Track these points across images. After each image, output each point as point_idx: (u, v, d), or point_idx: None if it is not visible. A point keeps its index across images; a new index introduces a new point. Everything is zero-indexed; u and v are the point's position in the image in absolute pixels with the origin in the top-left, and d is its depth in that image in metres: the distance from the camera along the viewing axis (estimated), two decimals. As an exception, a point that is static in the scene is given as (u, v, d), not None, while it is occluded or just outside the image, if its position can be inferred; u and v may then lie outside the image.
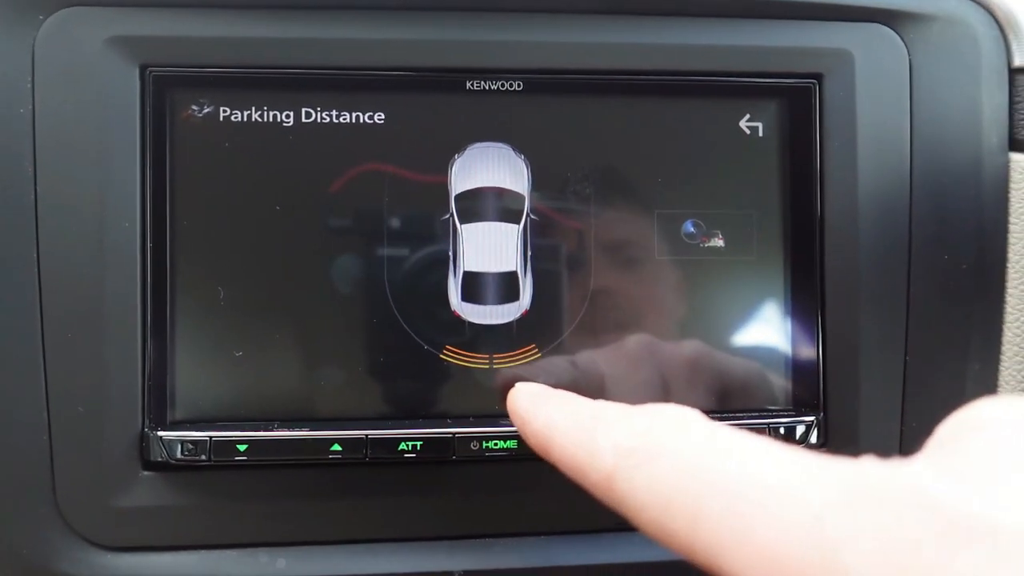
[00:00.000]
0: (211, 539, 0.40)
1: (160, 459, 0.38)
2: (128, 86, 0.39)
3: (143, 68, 0.39)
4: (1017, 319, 0.43)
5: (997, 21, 0.44)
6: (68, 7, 0.39)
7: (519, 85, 0.41)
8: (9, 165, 0.38)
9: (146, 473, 0.39)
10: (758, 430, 0.40)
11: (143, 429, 0.39)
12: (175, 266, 0.40)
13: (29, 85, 0.38)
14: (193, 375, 0.40)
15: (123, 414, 0.39)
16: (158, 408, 0.39)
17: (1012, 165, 0.43)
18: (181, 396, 0.40)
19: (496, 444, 0.39)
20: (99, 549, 0.39)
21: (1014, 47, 0.44)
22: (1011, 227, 0.43)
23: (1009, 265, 0.43)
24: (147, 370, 0.39)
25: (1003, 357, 0.43)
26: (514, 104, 0.41)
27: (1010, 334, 0.43)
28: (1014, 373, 0.44)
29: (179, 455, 0.38)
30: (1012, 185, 0.43)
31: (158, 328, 0.39)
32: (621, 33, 0.42)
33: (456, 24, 0.41)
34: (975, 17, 0.44)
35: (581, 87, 0.42)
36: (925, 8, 0.43)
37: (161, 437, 0.38)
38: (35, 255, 0.38)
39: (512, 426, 0.38)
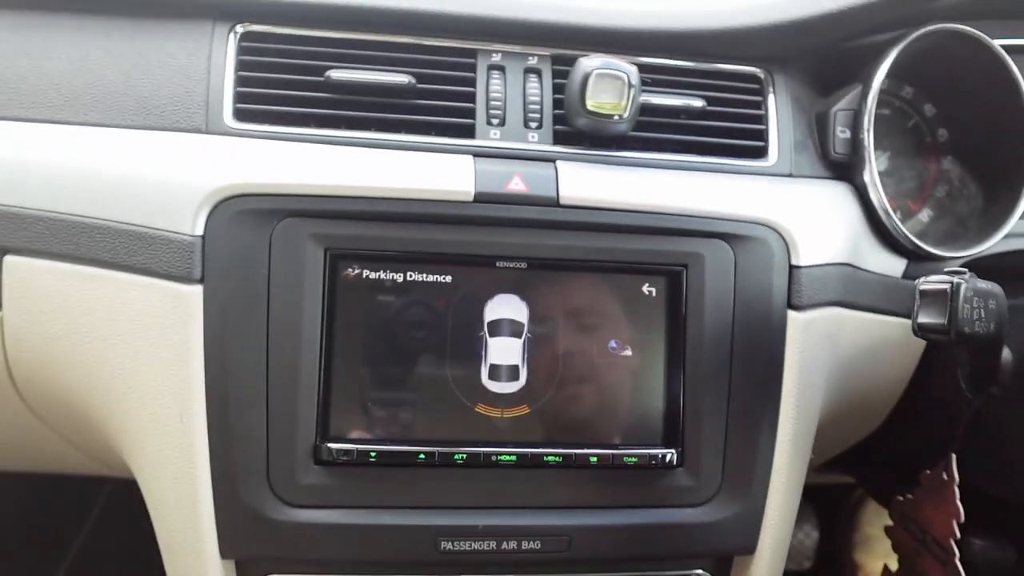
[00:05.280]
0: (347, 502, 0.74)
1: (325, 459, 0.72)
2: (318, 260, 0.73)
3: (326, 250, 0.74)
4: (789, 408, 0.80)
5: (784, 240, 0.81)
6: (288, 218, 0.73)
7: (525, 265, 0.77)
8: (258, 305, 0.72)
9: (316, 466, 0.73)
10: (644, 458, 0.76)
11: (316, 442, 0.73)
12: (337, 359, 0.74)
13: (267, 259, 0.73)
14: (343, 416, 0.74)
15: (307, 433, 0.73)
16: (324, 431, 0.73)
17: (789, 316, 0.80)
18: (335, 426, 0.74)
19: (504, 458, 0.74)
20: (289, 506, 0.73)
21: (793, 254, 0.81)
22: (787, 351, 0.80)
23: (784, 373, 0.80)
24: (319, 410, 0.73)
25: (779, 429, 0.80)
26: (521, 274, 0.77)
27: (784, 413, 0.80)
28: (787, 437, 0.80)
29: (336, 457, 0.72)
30: (789, 325, 0.80)
31: (327, 395, 0.73)
32: (577, 241, 0.77)
33: (486, 236, 0.76)
34: (772, 236, 0.80)
35: (559, 266, 0.77)
36: (743, 231, 0.80)
37: (327, 447, 0.72)
38: (265, 348, 0.72)
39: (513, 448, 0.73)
